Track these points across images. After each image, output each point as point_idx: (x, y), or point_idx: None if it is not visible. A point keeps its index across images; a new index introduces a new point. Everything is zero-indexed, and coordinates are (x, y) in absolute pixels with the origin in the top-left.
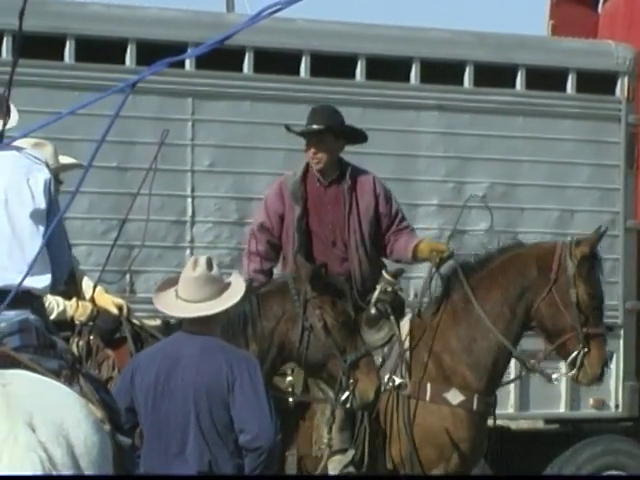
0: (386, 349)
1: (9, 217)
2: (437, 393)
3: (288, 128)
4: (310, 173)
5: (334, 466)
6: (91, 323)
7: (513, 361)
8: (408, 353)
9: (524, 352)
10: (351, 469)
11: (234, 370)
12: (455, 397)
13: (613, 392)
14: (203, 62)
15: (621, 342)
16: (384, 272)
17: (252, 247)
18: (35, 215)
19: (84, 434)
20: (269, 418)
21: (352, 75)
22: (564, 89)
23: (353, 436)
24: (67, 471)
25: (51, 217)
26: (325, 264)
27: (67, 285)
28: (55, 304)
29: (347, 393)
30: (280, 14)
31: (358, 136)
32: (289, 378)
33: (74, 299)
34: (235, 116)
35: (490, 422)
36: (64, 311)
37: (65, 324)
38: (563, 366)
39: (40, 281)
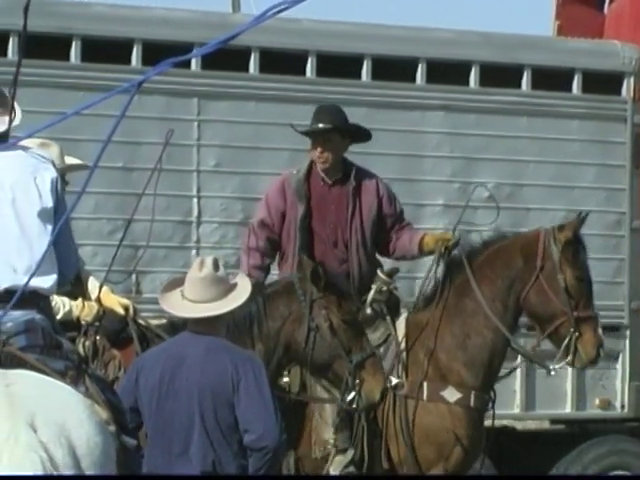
0: (382, 349)
1: (17, 216)
2: (434, 392)
3: (294, 127)
4: (314, 172)
5: (335, 467)
6: (97, 323)
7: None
8: (404, 353)
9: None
10: (352, 469)
11: (239, 370)
12: (452, 395)
13: (619, 392)
14: (209, 62)
15: (627, 342)
16: (379, 271)
17: (251, 243)
18: (43, 214)
19: (87, 435)
20: (274, 418)
21: (358, 75)
22: (570, 89)
23: (352, 436)
24: (68, 472)
25: (58, 216)
26: (323, 263)
27: (73, 285)
28: (61, 304)
29: (353, 393)
30: (285, 14)
31: (363, 135)
32: (285, 379)
33: (80, 299)
34: (241, 116)
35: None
36: (70, 311)
37: (71, 324)
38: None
39: (47, 281)
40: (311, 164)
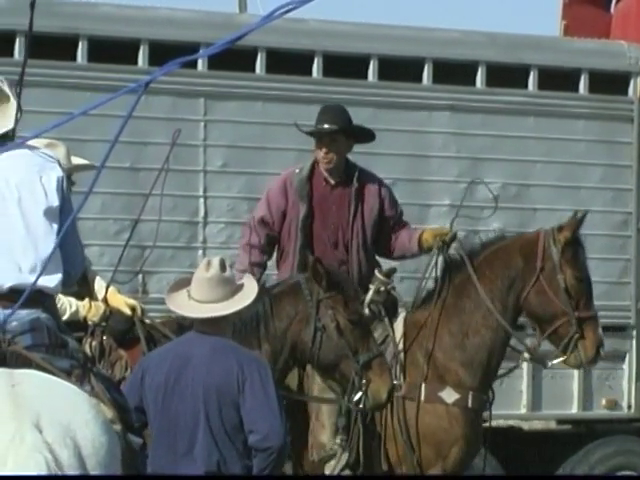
0: None
1: (22, 215)
2: (432, 392)
3: (298, 127)
4: (317, 172)
5: (330, 471)
6: (104, 323)
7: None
8: (402, 354)
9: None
10: (347, 472)
11: (244, 371)
12: (450, 395)
13: (626, 393)
14: (215, 62)
15: (634, 342)
16: (377, 272)
17: (251, 240)
18: (49, 213)
19: (92, 435)
20: (279, 419)
21: (364, 75)
22: (576, 89)
23: (348, 439)
24: (73, 472)
25: (64, 215)
26: (319, 260)
27: (80, 285)
28: (68, 304)
29: (360, 394)
30: (292, 14)
31: (367, 136)
32: None
33: (87, 299)
34: (247, 116)
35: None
36: (77, 311)
37: (78, 324)
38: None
39: (52, 280)
40: (314, 164)
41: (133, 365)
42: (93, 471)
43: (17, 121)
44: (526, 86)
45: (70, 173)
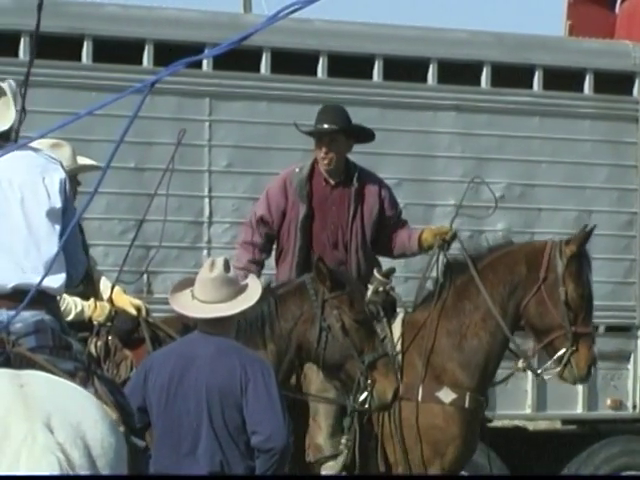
0: None
1: (25, 216)
2: (429, 392)
3: (298, 127)
4: (317, 172)
5: (327, 473)
6: (109, 324)
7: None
8: (400, 355)
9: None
10: (343, 474)
11: (248, 371)
12: (447, 395)
13: (630, 393)
14: (220, 63)
15: (638, 342)
16: (375, 272)
17: (248, 238)
18: (51, 214)
19: (101, 435)
20: (282, 420)
21: (369, 76)
22: (581, 89)
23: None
24: (84, 473)
25: (67, 217)
26: (322, 258)
27: (85, 286)
28: (73, 305)
29: (365, 394)
30: (297, 14)
31: (366, 135)
32: None
33: (92, 300)
34: (252, 116)
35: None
36: (82, 312)
37: (83, 325)
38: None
39: (55, 281)
40: (314, 163)
41: (138, 365)
42: (103, 471)
43: (21, 121)
44: (531, 86)
45: (76, 173)
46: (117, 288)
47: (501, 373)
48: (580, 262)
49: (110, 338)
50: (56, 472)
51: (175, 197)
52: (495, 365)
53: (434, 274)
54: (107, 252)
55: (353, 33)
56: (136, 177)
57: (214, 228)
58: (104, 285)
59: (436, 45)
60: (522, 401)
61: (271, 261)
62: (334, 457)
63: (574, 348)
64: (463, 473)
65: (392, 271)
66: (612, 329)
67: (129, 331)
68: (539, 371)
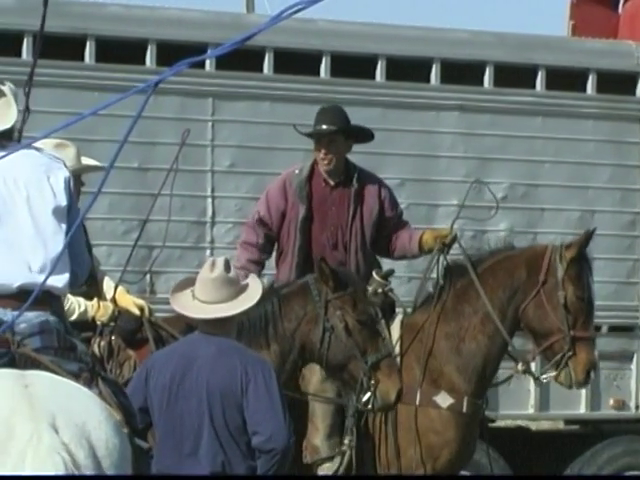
0: None
1: (31, 214)
2: (426, 396)
3: (296, 128)
4: (316, 173)
5: (324, 474)
6: (112, 324)
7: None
8: (398, 358)
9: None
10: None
11: (248, 372)
12: (445, 400)
13: (633, 393)
14: (223, 63)
15: None
16: (374, 273)
17: (248, 238)
18: (57, 212)
19: (105, 436)
20: (283, 420)
21: (372, 76)
22: (584, 89)
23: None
24: (89, 473)
25: (71, 215)
26: (325, 259)
27: (88, 286)
28: (76, 305)
29: (368, 394)
30: (300, 14)
31: (366, 135)
32: None
33: (95, 300)
34: (255, 116)
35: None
36: (85, 312)
37: (86, 325)
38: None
39: (60, 280)
40: (313, 164)
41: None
42: (108, 472)
43: (25, 120)
44: (534, 86)
45: (80, 174)
46: (120, 288)
47: (502, 373)
48: (580, 266)
49: (113, 338)
50: (61, 472)
51: (178, 197)
52: (493, 369)
53: (434, 276)
54: (110, 252)
55: (356, 33)
56: (139, 177)
57: (217, 228)
58: (107, 285)
59: (439, 45)
60: (525, 401)
61: (272, 261)
62: (331, 459)
63: (571, 352)
64: (464, 473)
65: (391, 273)
66: (615, 329)
67: (132, 331)
68: (537, 375)
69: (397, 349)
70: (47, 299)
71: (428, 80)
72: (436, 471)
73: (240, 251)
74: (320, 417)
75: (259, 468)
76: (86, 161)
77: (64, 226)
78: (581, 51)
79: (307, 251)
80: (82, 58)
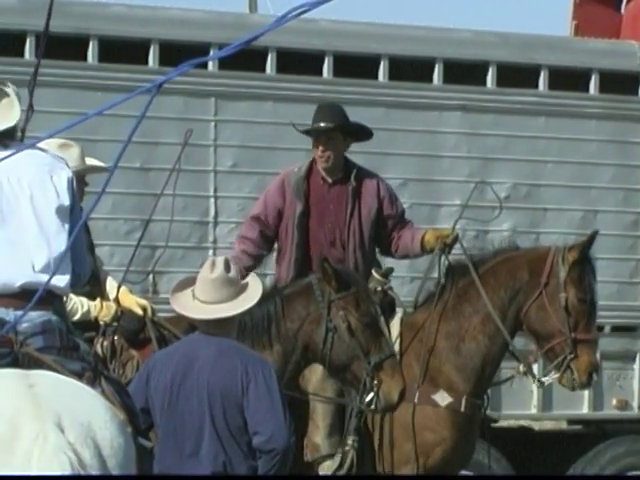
0: None
1: (35, 213)
2: (425, 394)
3: (295, 126)
4: (314, 170)
5: (323, 473)
6: (115, 324)
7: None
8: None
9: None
10: (341, 474)
11: (249, 372)
12: (443, 399)
13: (636, 393)
14: (226, 63)
15: None
16: (374, 271)
17: (245, 232)
18: (60, 212)
19: (110, 435)
20: (283, 420)
21: (375, 76)
22: (587, 89)
23: (341, 440)
24: (95, 473)
25: (73, 215)
26: (327, 258)
27: (91, 286)
28: (79, 305)
29: (371, 395)
30: (303, 15)
31: (364, 133)
32: None
33: (98, 299)
34: (258, 116)
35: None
36: (88, 312)
37: (89, 325)
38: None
39: (62, 280)
40: (312, 162)
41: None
42: (113, 472)
43: (28, 119)
44: (537, 86)
45: (84, 174)
46: (123, 288)
47: (505, 373)
48: (583, 268)
49: (116, 338)
50: (67, 472)
51: (180, 197)
52: (493, 369)
53: (436, 276)
54: (113, 252)
55: (358, 33)
56: (142, 177)
57: (220, 228)
58: (110, 285)
59: (442, 45)
60: (528, 401)
61: (272, 262)
62: (331, 456)
63: (573, 355)
64: (466, 473)
65: (390, 271)
66: (618, 329)
67: (135, 331)
68: (539, 377)
69: (396, 347)
70: (49, 299)
71: (431, 80)
72: (428, 468)
73: (235, 244)
74: (321, 415)
75: (260, 468)
76: (90, 161)
77: (67, 226)
78: (584, 51)
79: (305, 248)
80: (85, 58)
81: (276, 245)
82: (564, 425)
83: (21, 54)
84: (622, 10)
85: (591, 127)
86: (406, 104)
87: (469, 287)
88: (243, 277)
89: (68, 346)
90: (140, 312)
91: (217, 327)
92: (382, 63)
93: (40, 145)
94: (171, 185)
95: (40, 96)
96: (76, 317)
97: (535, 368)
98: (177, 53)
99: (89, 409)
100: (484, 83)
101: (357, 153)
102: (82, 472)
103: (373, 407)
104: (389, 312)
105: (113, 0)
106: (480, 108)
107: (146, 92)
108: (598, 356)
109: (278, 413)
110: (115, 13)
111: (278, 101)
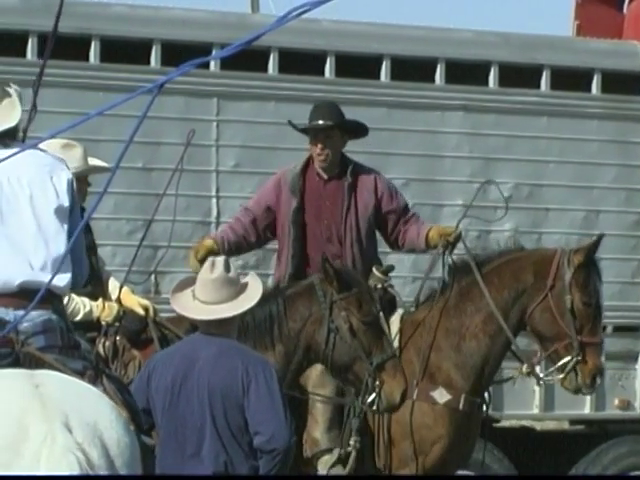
0: None
1: (34, 213)
2: (424, 391)
3: (292, 125)
4: (310, 167)
5: (322, 467)
6: (117, 324)
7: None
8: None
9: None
10: (338, 468)
11: (249, 372)
12: (442, 396)
13: (638, 393)
14: (228, 63)
15: None
16: (374, 269)
17: (236, 216)
18: (59, 212)
19: (117, 435)
20: (284, 420)
21: (377, 76)
22: (589, 89)
23: (340, 435)
24: (103, 473)
25: (73, 216)
26: (328, 258)
27: (93, 286)
28: (81, 305)
29: (373, 395)
30: (305, 15)
31: (362, 130)
32: None
33: (100, 300)
34: (260, 116)
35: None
36: (90, 312)
37: (91, 325)
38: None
39: (62, 280)
40: (309, 159)
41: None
42: (120, 471)
43: (31, 119)
44: (539, 86)
45: (86, 174)
46: (125, 288)
47: (507, 373)
48: (588, 271)
49: (118, 338)
50: (76, 472)
51: (183, 197)
52: (493, 368)
53: (439, 274)
54: (115, 252)
55: (360, 33)
56: (144, 177)
57: (222, 228)
58: (112, 285)
59: (443, 45)
60: (530, 401)
61: (273, 262)
62: (329, 450)
63: (579, 357)
64: (467, 473)
65: (391, 268)
66: (620, 329)
67: (137, 331)
68: (542, 375)
69: (396, 343)
70: (49, 298)
71: (433, 80)
72: (427, 465)
73: (226, 225)
74: (320, 411)
75: (261, 468)
76: (92, 162)
77: (66, 226)
78: (586, 51)
79: (302, 244)
80: (87, 58)
81: (276, 245)
82: (566, 425)
83: (23, 54)
84: (624, 10)
85: (593, 127)
86: (408, 104)
87: (472, 286)
88: (230, 247)
89: (69, 345)
90: (142, 312)
91: (217, 327)
92: (384, 63)
93: (43, 145)
94: (173, 185)
95: (42, 96)
96: (78, 317)
97: (537, 369)
98: (179, 53)
99: (95, 409)
100: (486, 83)
101: (359, 153)
102: (90, 472)
103: (375, 408)
104: (389, 309)
105: (115, 0)
106: (482, 108)
107: (148, 92)
108: (603, 359)
109: (279, 413)
110: (117, 13)
111: (280, 101)
